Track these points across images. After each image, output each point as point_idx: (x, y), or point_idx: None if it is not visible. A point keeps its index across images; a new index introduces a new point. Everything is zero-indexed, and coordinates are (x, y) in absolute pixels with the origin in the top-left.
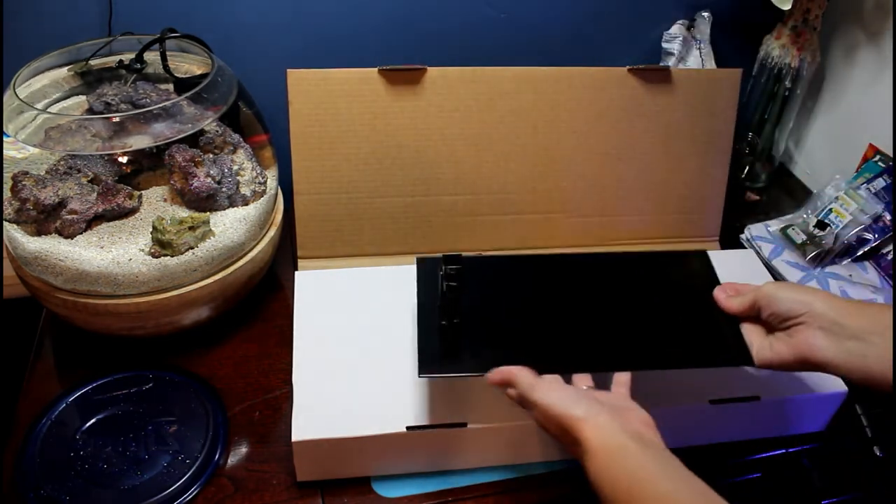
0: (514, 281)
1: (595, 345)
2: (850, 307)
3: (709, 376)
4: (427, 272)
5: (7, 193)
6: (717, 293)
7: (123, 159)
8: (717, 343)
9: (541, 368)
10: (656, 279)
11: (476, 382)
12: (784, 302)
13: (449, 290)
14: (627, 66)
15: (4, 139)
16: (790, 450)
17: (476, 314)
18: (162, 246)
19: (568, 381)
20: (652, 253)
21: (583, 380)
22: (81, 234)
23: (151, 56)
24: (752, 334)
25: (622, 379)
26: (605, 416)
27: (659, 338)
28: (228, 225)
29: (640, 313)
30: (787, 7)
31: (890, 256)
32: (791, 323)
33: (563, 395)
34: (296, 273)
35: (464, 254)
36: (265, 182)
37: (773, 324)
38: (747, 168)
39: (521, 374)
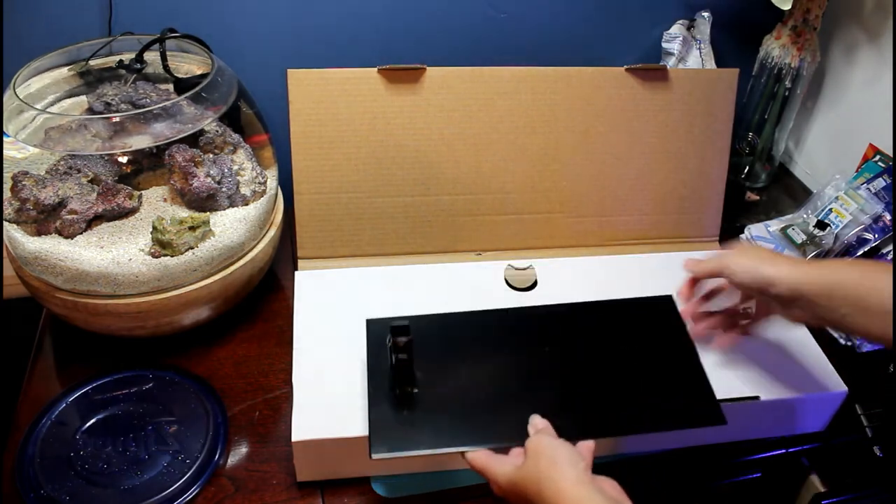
0: (471, 339)
1: (559, 409)
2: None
3: (708, 377)
4: (376, 336)
5: (7, 193)
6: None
7: (123, 159)
8: (688, 399)
9: (504, 439)
10: (620, 328)
11: None
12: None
13: (398, 362)
14: (625, 66)
15: (4, 139)
16: (790, 450)
17: (431, 378)
18: (162, 246)
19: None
20: (613, 301)
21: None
22: (81, 234)
23: (151, 56)
24: None
25: (587, 448)
26: (586, 474)
27: (627, 400)
28: (228, 225)
29: (606, 370)
30: (787, 7)
31: (890, 256)
32: None
33: (553, 442)
34: (296, 273)
35: (413, 314)
36: (265, 182)
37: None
38: (747, 168)
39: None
